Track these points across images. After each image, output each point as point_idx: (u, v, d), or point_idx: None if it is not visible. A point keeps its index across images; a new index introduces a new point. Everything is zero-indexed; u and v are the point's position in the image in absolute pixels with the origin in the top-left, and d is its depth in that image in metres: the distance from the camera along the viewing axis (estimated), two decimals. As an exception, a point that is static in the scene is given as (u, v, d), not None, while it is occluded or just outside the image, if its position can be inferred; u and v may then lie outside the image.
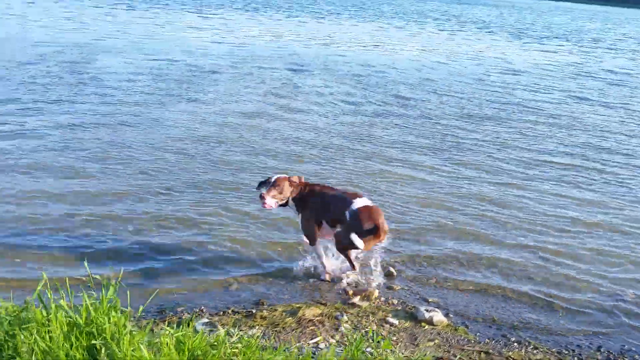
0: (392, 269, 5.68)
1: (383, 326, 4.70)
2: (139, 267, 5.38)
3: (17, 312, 3.36)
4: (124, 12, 27.91)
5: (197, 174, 7.75)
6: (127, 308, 3.54)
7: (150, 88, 12.67)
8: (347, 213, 5.03)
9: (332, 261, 5.53)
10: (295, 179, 5.36)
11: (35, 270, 5.05)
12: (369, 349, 3.99)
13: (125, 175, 7.52)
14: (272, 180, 5.28)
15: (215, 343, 3.58)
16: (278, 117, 11.06)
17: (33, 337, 3.10)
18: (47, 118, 9.79)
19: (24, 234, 5.82)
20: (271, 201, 5.23)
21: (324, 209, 5.27)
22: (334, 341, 4.28)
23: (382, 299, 5.16)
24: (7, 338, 3.15)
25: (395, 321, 4.77)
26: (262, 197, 5.21)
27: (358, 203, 5.05)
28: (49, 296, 3.36)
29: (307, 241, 5.47)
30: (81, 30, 20.86)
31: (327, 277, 5.43)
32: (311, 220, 5.30)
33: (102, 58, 15.74)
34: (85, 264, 3.89)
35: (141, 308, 3.70)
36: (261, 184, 5.42)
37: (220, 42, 20.65)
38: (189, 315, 4.43)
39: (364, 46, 22.87)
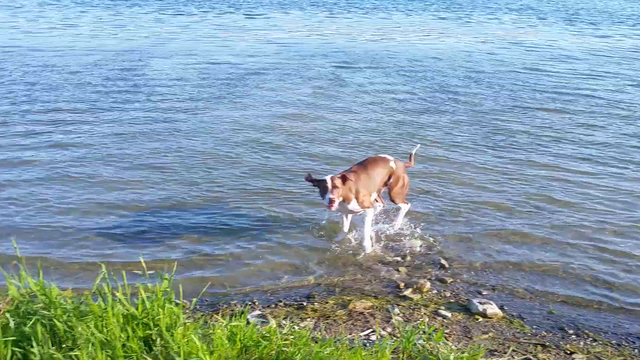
0: (444, 262, 5.61)
1: (435, 319, 4.64)
2: (192, 265, 5.51)
3: (76, 305, 3.48)
4: (172, 18, 28.49)
5: (244, 177, 7.80)
6: (181, 301, 3.62)
7: (198, 92, 12.87)
8: (392, 164, 6.15)
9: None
10: (348, 175, 5.68)
11: (92, 272, 5.19)
12: (420, 341, 3.94)
13: (173, 182, 7.63)
14: (330, 181, 5.48)
15: (267, 334, 3.62)
16: (323, 117, 10.98)
17: (91, 330, 3.20)
18: (97, 127, 10.05)
19: (78, 241, 6.01)
20: (337, 202, 5.51)
21: (372, 180, 5.99)
22: (385, 333, 4.24)
23: (434, 291, 5.10)
24: (66, 330, 3.27)
25: (448, 314, 4.70)
26: (331, 202, 5.43)
27: (391, 157, 6.28)
28: (107, 290, 3.47)
29: (367, 209, 5.89)
30: (131, 36, 21.39)
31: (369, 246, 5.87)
32: (367, 193, 5.87)
33: (152, 63, 16.12)
34: (141, 258, 4.00)
35: (194, 300, 3.79)
36: (318, 187, 5.60)
37: (266, 42, 20.82)
38: (241, 308, 4.49)
39: (411, 39, 22.58)
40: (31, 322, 3.26)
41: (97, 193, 7.25)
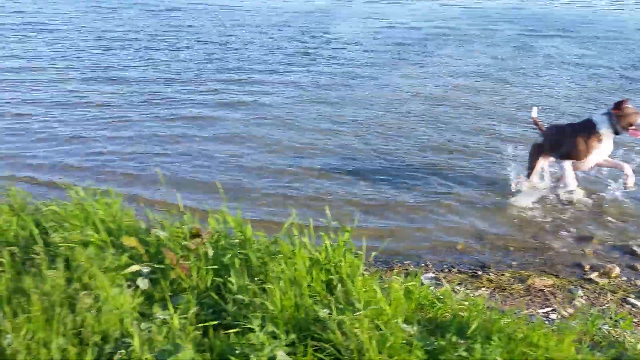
0: (636, 249, 5.14)
1: (623, 306, 4.30)
2: (365, 231, 5.55)
3: (267, 245, 3.77)
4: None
5: (414, 149, 7.65)
6: (360, 252, 3.76)
7: (374, 57, 12.85)
8: None
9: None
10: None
11: (269, 229, 5.49)
12: (605, 326, 3.69)
13: (344, 149, 7.67)
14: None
15: (442, 297, 3.63)
16: (502, 90, 10.34)
17: (281, 267, 3.45)
18: (276, 89, 10.41)
19: (256, 199, 6.23)
20: None
21: None
22: (566, 314, 4.03)
23: (624, 278, 4.71)
24: (259, 265, 3.56)
25: (638, 303, 4.33)
26: None
27: None
28: (295, 233, 3.71)
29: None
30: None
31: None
32: None
33: (334, 25, 16.49)
34: (327, 210, 4.17)
35: (373, 254, 3.90)
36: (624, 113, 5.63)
37: (448, 5, 20.19)
38: (415, 269, 4.53)
39: (612, 5, 20.44)
40: (229, 255, 3.60)
41: (270, 152, 7.50)
